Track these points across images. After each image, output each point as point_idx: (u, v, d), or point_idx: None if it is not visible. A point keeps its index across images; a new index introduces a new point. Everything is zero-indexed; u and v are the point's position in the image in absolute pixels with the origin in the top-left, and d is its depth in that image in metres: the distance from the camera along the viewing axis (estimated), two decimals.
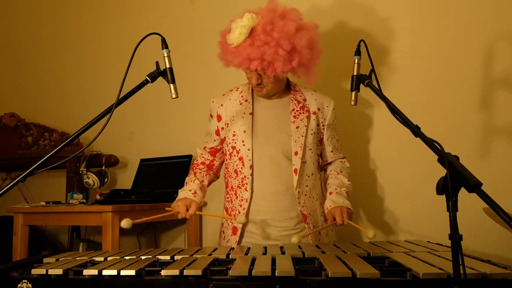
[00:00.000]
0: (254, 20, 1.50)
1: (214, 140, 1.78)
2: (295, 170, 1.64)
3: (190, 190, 1.67)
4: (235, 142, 1.68)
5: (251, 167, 1.65)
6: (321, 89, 1.82)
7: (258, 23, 1.50)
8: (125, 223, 1.39)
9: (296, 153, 1.65)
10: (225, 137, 1.74)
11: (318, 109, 1.73)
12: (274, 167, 1.65)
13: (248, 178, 1.64)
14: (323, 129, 1.74)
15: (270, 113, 1.70)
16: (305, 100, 1.73)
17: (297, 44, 1.52)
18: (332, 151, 1.79)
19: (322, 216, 1.73)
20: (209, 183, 1.79)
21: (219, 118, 1.75)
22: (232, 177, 1.70)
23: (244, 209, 1.64)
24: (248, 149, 1.65)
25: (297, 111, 1.70)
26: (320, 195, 1.76)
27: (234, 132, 1.69)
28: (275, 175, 1.65)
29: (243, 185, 1.66)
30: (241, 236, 1.68)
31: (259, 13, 1.53)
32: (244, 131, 1.67)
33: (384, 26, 2.18)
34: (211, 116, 1.79)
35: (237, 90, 1.77)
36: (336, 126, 1.81)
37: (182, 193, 1.67)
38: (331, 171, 1.81)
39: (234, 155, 1.68)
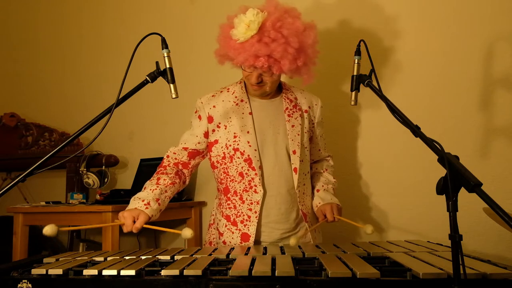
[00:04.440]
0: (262, 16, 1.45)
1: (199, 143, 1.66)
2: (295, 169, 1.62)
3: (143, 201, 1.48)
4: (238, 144, 1.59)
5: (260, 167, 1.59)
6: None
7: (266, 19, 1.45)
8: (49, 229, 1.16)
9: (294, 152, 1.63)
10: (216, 140, 1.64)
11: (309, 107, 1.72)
12: (277, 167, 1.61)
13: (257, 180, 1.58)
14: (313, 127, 1.74)
15: (265, 113, 1.65)
16: (296, 99, 1.71)
17: (304, 43, 1.49)
18: (319, 150, 1.80)
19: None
20: (172, 195, 1.60)
21: (210, 119, 1.64)
22: (235, 181, 1.60)
23: (255, 212, 1.58)
24: (255, 150, 1.58)
25: (290, 109, 1.67)
26: (311, 192, 1.76)
27: (235, 133, 1.60)
28: (279, 176, 1.61)
29: (251, 187, 1.59)
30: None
31: (264, 9, 1.47)
32: (248, 132, 1.59)
33: (384, 26, 2.18)
34: (199, 117, 1.66)
35: (228, 91, 1.68)
36: (324, 125, 1.81)
37: (133, 203, 1.48)
38: (316, 169, 1.81)
39: (238, 157, 1.59)
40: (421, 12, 2.12)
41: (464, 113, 2.00)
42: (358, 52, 1.39)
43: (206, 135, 1.66)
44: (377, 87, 1.29)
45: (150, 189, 1.54)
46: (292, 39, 1.46)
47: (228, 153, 1.61)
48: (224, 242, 1.62)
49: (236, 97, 1.66)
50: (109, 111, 1.27)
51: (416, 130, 1.11)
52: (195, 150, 1.68)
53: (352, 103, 1.41)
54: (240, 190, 1.60)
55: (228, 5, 2.60)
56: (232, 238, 1.61)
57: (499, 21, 1.96)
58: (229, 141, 1.61)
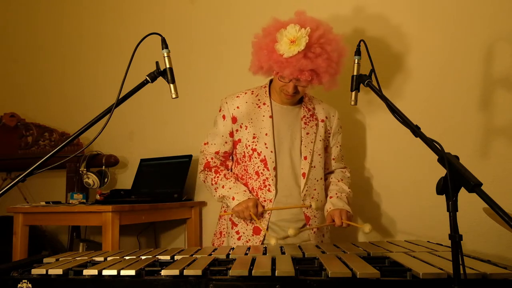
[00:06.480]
0: (307, 32, 1.51)
1: (226, 143, 1.76)
2: (303, 174, 1.69)
3: (245, 191, 1.67)
4: (256, 144, 1.68)
5: (275, 169, 1.67)
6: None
7: (310, 35, 1.52)
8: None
9: (305, 158, 1.70)
10: (239, 139, 1.73)
11: (326, 117, 1.79)
12: (291, 170, 1.69)
13: (271, 180, 1.66)
14: (329, 136, 1.80)
15: (284, 118, 1.73)
16: (314, 108, 1.79)
17: (342, 57, 1.60)
18: (334, 159, 1.84)
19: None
20: None
21: (234, 120, 1.73)
22: (252, 178, 1.69)
23: None
24: (271, 151, 1.67)
25: (307, 118, 1.74)
26: (324, 198, 1.79)
27: (254, 134, 1.69)
28: (293, 178, 1.69)
29: (265, 186, 1.67)
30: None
31: (304, 25, 1.53)
32: (266, 134, 1.68)
33: (383, 26, 2.18)
34: (224, 117, 1.75)
35: (252, 93, 1.77)
36: (341, 136, 1.86)
37: (240, 195, 1.65)
38: (332, 178, 1.84)
39: (255, 157, 1.68)
40: (421, 12, 2.12)
41: (464, 113, 1.99)
42: (358, 52, 1.40)
43: (231, 134, 1.75)
44: (377, 87, 1.29)
45: (234, 181, 1.71)
46: (334, 55, 1.57)
47: (247, 153, 1.71)
48: (237, 232, 1.71)
49: (259, 99, 1.74)
50: (109, 111, 1.27)
51: (416, 130, 1.11)
52: (227, 153, 1.79)
53: (352, 103, 1.41)
54: (256, 187, 1.69)
55: (228, 5, 2.62)
56: (246, 229, 1.70)
57: (499, 21, 1.96)
58: (248, 141, 1.70)
